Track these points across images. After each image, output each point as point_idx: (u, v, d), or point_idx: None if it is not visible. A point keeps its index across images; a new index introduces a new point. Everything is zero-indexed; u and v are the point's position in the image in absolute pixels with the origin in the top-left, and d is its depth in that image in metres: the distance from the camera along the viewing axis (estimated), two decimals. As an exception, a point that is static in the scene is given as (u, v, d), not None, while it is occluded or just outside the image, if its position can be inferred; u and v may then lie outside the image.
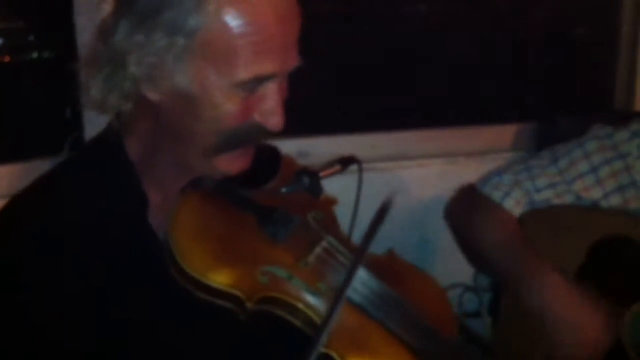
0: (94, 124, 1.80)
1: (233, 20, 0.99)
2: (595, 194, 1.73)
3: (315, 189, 1.16)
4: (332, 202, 1.24)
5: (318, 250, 1.12)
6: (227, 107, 1.03)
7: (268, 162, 1.17)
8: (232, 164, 1.10)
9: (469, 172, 2.01)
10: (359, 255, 1.05)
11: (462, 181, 1.94)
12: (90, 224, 1.09)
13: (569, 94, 2.54)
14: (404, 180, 2.15)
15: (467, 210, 1.82)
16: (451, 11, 2.52)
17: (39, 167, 1.64)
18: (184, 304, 1.06)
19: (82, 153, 1.24)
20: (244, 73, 1.01)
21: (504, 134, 2.33)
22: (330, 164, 1.18)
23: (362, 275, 1.12)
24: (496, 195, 1.76)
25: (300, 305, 1.07)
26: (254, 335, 1.12)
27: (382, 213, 1.04)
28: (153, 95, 1.05)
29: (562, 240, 1.71)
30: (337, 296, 1.02)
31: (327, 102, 2.26)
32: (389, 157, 2.16)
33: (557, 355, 1.55)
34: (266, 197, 1.14)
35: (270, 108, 1.05)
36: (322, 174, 1.18)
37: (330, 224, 1.19)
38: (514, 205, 1.74)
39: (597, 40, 2.60)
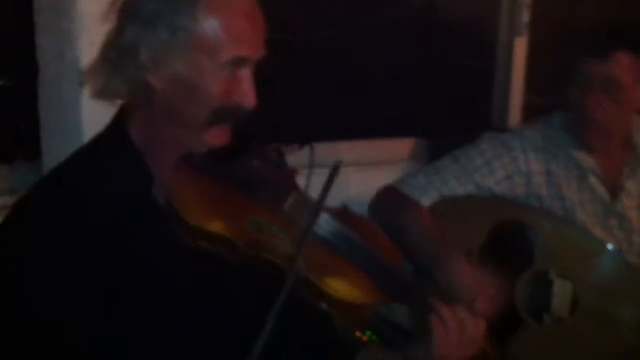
0: (52, 135, 2.02)
1: (217, 19, 1.30)
2: (489, 181, 2.11)
3: (280, 161, 1.46)
4: (293, 171, 1.53)
5: (289, 201, 1.41)
6: (214, 87, 1.32)
7: (243, 140, 1.43)
8: (216, 137, 1.37)
9: (374, 179, 2.33)
10: (320, 198, 1.36)
11: (369, 186, 2.25)
12: (102, 203, 1.32)
13: (456, 114, 2.86)
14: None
15: (390, 208, 2.13)
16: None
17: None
18: (187, 259, 1.33)
19: (93, 143, 1.45)
20: (226, 55, 1.31)
21: (406, 145, 2.67)
22: (291, 145, 1.48)
23: (324, 216, 1.42)
24: (414, 194, 2.10)
25: (279, 244, 1.35)
26: (243, 277, 1.39)
27: (334, 170, 1.39)
28: (156, 81, 1.32)
29: (467, 225, 2.08)
30: (306, 229, 1.33)
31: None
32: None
33: None
34: (242, 168, 1.42)
35: (245, 89, 1.35)
36: (284, 150, 1.47)
37: (294, 187, 1.48)
38: (428, 199, 2.09)
39: (477, 68, 2.96)
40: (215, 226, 1.32)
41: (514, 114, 2.87)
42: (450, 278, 1.87)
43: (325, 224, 1.44)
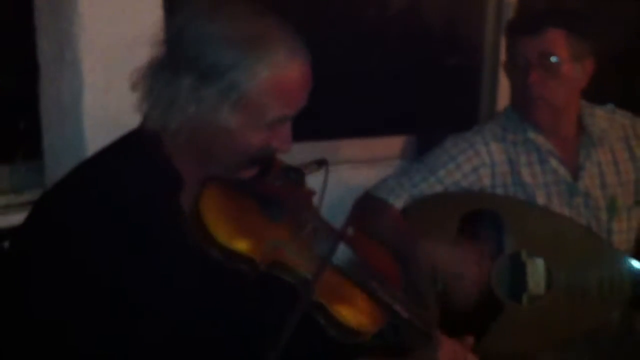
0: (52, 135, 2.05)
1: (273, 84, 1.33)
2: (456, 176, 2.23)
3: (300, 181, 1.50)
4: (312, 192, 1.59)
5: (307, 228, 1.47)
6: (255, 141, 1.37)
7: (266, 162, 1.47)
8: (245, 174, 1.43)
9: (367, 176, 2.40)
10: (341, 231, 1.42)
11: (360, 183, 2.34)
12: (134, 199, 1.35)
13: (444, 112, 2.93)
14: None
15: (364, 210, 2.27)
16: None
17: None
18: (202, 265, 1.36)
19: (124, 140, 1.47)
20: (274, 114, 1.36)
21: (396, 144, 2.73)
22: (308, 164, 1.52)
23: (341, 245, 1.48)
24: (383, 195, 2.24)
25: (295, 267, 1.40)
26: (260, 293, 1.44)
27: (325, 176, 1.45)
28: (199, 125, 1.35)
29: (437, 222, 2.20)
30: (323, 259, 1.38)
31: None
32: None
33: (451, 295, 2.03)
34: (264, 188, 1.46)
35: (285, 137, 1.40)
36: (304, 170, 1.51)
37: (311, 208, 1.55)
38: (395, 199, 2.22)
39: (464, 67, 3.02)
40: (239, 246, 1.36)
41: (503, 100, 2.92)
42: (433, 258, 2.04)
43: (340, 252, 1.49)
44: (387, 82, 2.84)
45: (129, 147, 1.45)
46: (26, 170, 2.08)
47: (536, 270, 2.12)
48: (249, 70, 1.31)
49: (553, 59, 2.10)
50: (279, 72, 1.32)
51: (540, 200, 2.19)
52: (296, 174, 1.50)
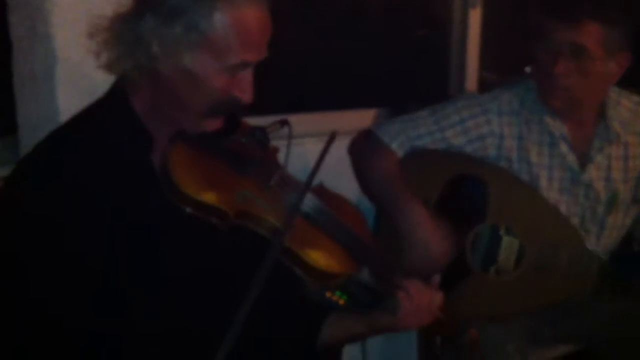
0: (27, 110, 2.06)
1: (230, 24, 1.38)
2: (461, 139, 2.21)
3: (264, 139, 1.55)
4: (276, 149, 1.68)
5: (274, 180, 1.54)
6: (216, 84, 1.41)
7: (232, 120, 1.54)
8: (211, 124, 1.47)
9: (340, 148, 2.43)
10: (310, 177, 1.47)
11: (336, 155, 2.35)
12: (105, 160, 1.41)
13: (415, 84, 2.97)
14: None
15: (362, 147, 2.27)
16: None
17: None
18: (176, 221, 1.43)
19: (95, 106, 1.52)
20: (233, 59, 1.41)
21: (367, 117, 2.73)
22: (271, 123, 1.59)
23: (308, 195, 1.55)
24: (386, 138, 2.20)
25: (265, 217, 1.48)
26: (233, 247, 1.51)
27: (329, 142, 1.52)
28: (162, 68, 1.40)
29: (428, 176, 2.21)
30: (293, 207, 1.46)
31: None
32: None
33: (412, 266, 2.03)
34: (231, 144, 1.53)
35: (245, 86, 1.45)
36: (267, 129, 1.57)
37: (276, 163, 1.63)
38: (398, 147, 2.20)
39: (433, 40, 3.04)
40: (207, 197, 1.43)
41: (471, 84, 2.97)
42: (407, 224, 2.04)
43: (307, 200, 1.57)
44: (359, 56, 2.87)
45: (99, 111, 1.50)
46: (1, 146, 2.11)
47: (510, 246, 2.15)
48: (206, 10, 1.37)
49: (585, 52, 2.01)
50: (236, 12, 1.38)
51: (542, 181, 2.19)
52: (261, 132, 1.56)
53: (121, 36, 1.41)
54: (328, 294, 1.68)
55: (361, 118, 2.73)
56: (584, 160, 2.21)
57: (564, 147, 2.18)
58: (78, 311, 1.38)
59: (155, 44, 1.38)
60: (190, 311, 1.49)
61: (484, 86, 2.95)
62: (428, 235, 2.04)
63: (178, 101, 1.44)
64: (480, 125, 2.21)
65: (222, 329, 1.23)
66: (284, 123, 1.58)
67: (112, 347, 1.41)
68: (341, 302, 1.68)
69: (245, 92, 1.45)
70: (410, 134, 2.22)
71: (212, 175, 1.48)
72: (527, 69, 2.25)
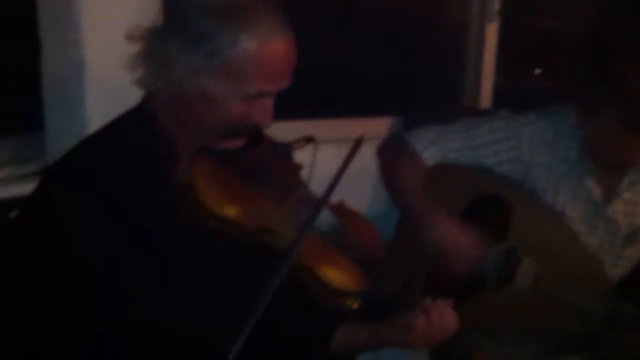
0: (54, 108, 2.13)
1: (254, 55, 1.42)
2: (491, 160, 2.20)
3: (287, 155, 1.59)
4: (299, 166, 1.70)
5: (293, 197, 1.57)
6: (234, 110, 1.46)
7: (255, 135, 1.57)
8: (232, 143, 1.52)
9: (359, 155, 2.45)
10: (326, 194, 1.50)
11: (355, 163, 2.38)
12: (128, 171, 1.47)
13: (429, 93, 3.02)
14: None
15: (392, 152, 2.27)
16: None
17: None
18: (195, 236, 1.48)
19: (122, 118, 1.57)
20: (254, 88, 1.44)
21: (381, 124, 2.80)
22: (297, 140, 1.62)
23: (324, 211, 1.58)
24: (418, 146, 2.21)
25: (283, 233, 1.51)
26: (247, 262, 1.55)
27: (355, 147, 1.55)
28: (186, 89, 1.44)
29: (452, 191, 2.21)
30: (307, 222, 1.48)
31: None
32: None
33: (436, 275, 2.07)
34: (252, 160, 1.57)
35: (264, 112, 1.49)
36: (292, 145, 1.60)
37: (297, 180, 1.65)
38: (429, 157, 2.20)
39: (449, 46, 3.08)
40: (229, 212, 1.47)
41: (485, 96, 3.01)
42: (440, 231, 2.05)
43: (324, 217, 1.60)
44: (375, 63, 2.91)
45: (127, 123, 1.55)
46: (28, 143, 2.17)
47: (528, 270, 2.14)
48: (232, 38, 1.40)
49: None
50: (260, 43, 1.41)
51: (565, 211, 2.19)
52: (283, 149, 1.60)
53: (148, 54, 1.46)
54: (341, 302, 1.69)
55: (379, 125, 2.80)
56: (610, 194, 2.21)
57: (590, 183, 2.19)
58: (88, 314, 1.44)
59: (179, 67, 1.42)
60: (198, 315, 1.54)
61: (499, 98, 3.03)
62: (460, 240, 2.06)
63: (197, 121, 1.49)
64: (511, 150, 2.20)
65: (229, 334, 1.26)
66: (310, 140, 1.60)
67: (117, 349, 1.47)
68: (354, 306, 1.69)
69: (264, 118, 1.49)
70: (442, 145, 2.22)
71: (234, 190, 1.52)
72: (537, 71, 2.26)
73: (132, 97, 1.57)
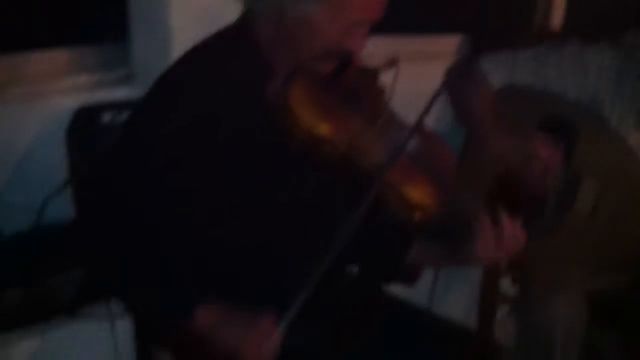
0: (140, 19, 2.20)
1: None
2: (558, 88, 2.27)
3: (374, 79, 1.66)
4: (384, 89, 1.71)
5: (381, 119, 1.64)
6: (330, 35, 1.52)
7: (346, 59, 1.61)
8: (323, 67, 1.59)
9: (427, 73, 2.51)
10: (419, 119, 1.58)
11: (424, 80, 2.44)
12: (224, 91, 1.54)
13: (500, 12, 2.96)
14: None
15: (462, 75, 2.29)
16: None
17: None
18: (286, 151, 1.57)
19: (217, 35, 1.64)
20: (352, 17, 1.51)
21: (451, 42, 2.84)
22: (383, 64, 1.63)
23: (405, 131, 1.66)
24: (487, 70, 2.27)
25: (371, 152, 1.59)
26: (335, 177, 1.66)
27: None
28: (287, 12, 1.51)
29: (520, 114, 2.26)
30: (399, 145, 1.57)
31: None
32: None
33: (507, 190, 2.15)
34: (343, 82, 1.63)
35: (359, 40, 1.55)
36: (378, 69, 1.65)
37: (383, 102, 1.70)
38: (498, 80, 2.27)
39: None
40: (322, 130, 1.55)
41: (557, 16, 2.99)
42: (501, 154, 2.13)
43: (411, 143, 1.64)
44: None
45: (226, 40, 1.62)
46: (115, 50, 2.25)
47: (589, 193, 2.19)
48: None
49: None
50: None
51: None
52: (371, 73, 1.66)
53: None
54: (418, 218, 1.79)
55: (447, 43, 2.83)
56: None
57: None
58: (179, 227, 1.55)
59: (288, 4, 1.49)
60: (288, 233, 1.64)
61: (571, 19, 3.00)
62: (527, 160, 2.14)
63: (295, 44, 1.55)
64: (578, 80, 2.25)
65: (318, 251, 1.38)
66: (394, 62, 1.63)
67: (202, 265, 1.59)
68: (419, 220, 1.80)
69: (358, 45, 1.55)
70: (511, 71, 2.27)
71: (327, 110, 1.59)
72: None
73: (217, 9, 1.63)
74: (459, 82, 2.32)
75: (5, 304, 1.79)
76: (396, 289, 1.90)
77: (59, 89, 2.06)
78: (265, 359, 1.46)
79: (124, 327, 1.94)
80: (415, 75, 2.53)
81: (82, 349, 1.95)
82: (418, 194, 1.64)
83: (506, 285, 2.59)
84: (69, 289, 1.86)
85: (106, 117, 2.00)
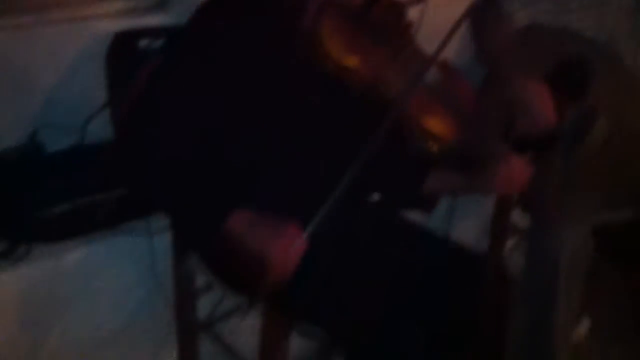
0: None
1: None
2: (578, 25, 2.31)
3: (401, 13, 1.74)
4: (411, 24, 1.83)
5: (405, 52, 1.75)
6: None
7: None
8: (354, 1, 1.67)
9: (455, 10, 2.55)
10: (436, 51, 1.62)
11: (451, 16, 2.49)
12: (262, 20, 1.63)
13: None
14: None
15: (483, 12, 2.25)
16: None
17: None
18: (314, 80, 1.67)
19: None
20: None
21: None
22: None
23: (432, 69, 1.76)
24: (509, 8, 2.31)
25: (394, 83, 1.69)
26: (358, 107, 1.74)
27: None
28: None
29: (539, 53, 2.30)
30: (417, 76, 1.66)
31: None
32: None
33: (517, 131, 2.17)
34: (371, 16, 1.72)
35: None
36: (407, 4, 1.74)
37: (409, 37, 1.81)
38: (519, 19, 2.32)
39: None
40: (349, 61, 1.64)
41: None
42: (526, 92, 2.17)
43: (430, 74, 1.75)
44: None
45: None
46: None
47: (601, 130, 2.23)
48: None
49: None
50: None
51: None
52: (398, 7, 1.74)
53: None
54: (428, 144, 1.88)
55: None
56: None
57: None
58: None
59: None
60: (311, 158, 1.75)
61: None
62: (542, 101, 2.16)
63: None
64: (598, 17, 2.30)
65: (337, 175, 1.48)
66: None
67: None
68: (436, 150, 1.89)
69: None
70: (532, 8, 2.31)
71: (356, 42, 1.67)
72: None
73: None
74: (481, 16, 2.37)
75: (51, 218, 1.91)
76: (415, 216, 2.01)
77: (98, 13, 2.12)
78: (291, 263, 1.55)
79: (162, 243, 2.04)
80: (442, 11, 2.62)
81: (122, 264, 2.07)
82: (436, 124, 1.75)
83: (517, 216, 2.70)
84: (110, 205, 1.97)
85: (142, 43, 2.07)
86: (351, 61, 1.64)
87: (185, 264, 2.01)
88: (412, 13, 1.79)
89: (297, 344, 1.89)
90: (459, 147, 1.79)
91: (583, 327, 2.75)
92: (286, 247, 1.53)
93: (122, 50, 2.05)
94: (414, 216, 2.00)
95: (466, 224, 2.92)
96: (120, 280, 2.08)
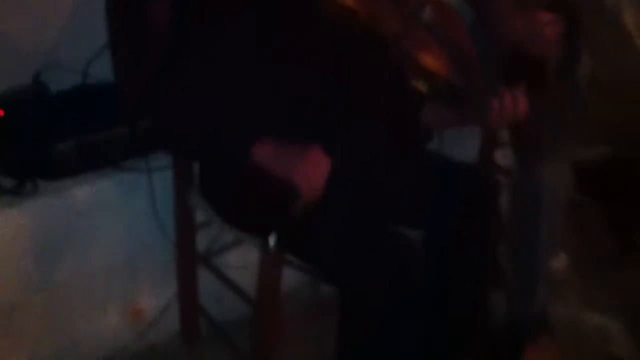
0: None
1: None
2: None
3: None
4: None
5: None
6: None
7: None
8: None
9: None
10: None
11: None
12: None
13: None
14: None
15: None
16: None
17: None
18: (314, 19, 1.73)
19: None
20: None
21: None
22: None
23: (429, 8, 1.84)
24: None
25: (390, 22, 1.76)
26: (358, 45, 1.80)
27: None
28: None
29: None
30: (413, 14, 1.75)
31: None
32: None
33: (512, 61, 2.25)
34: None
35: None
36: None
37: None
38: None
39: None
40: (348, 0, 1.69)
41: None
42: (509, 29, 2.23)
43: (427, 13, 1.82)
44: None
45: None
46: None
47: (584, 68, 2.31)
48: None
49: None
50: None
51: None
52: None
53: None
54: (416, 83, 1.95)
55: None
56: None
57: None
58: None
59: None
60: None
61: None
62: (534, 36, 2.18)
63: None
64: None
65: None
66: None
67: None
68: (431, 86, 1.96)
69: None
70: None
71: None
72: None
73: None
74: None
75: (57, 154, 1.98)
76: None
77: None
78: (318, 185, 1.62)
79: (164, 181, 2.13)
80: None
81: (125, 200, 2.15)
82: (432, 61, 1.81)
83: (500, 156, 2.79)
84: (115, 143, 2.04)
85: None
86: (350, 0, 1.70)
87: (186, 200, 2.09)
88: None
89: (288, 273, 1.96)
90: (454, 82, 1.86)
91: (561, 262, 2.85)
92: (312, 170, 1.61)
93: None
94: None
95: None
96: (123, 216, 2.16)
